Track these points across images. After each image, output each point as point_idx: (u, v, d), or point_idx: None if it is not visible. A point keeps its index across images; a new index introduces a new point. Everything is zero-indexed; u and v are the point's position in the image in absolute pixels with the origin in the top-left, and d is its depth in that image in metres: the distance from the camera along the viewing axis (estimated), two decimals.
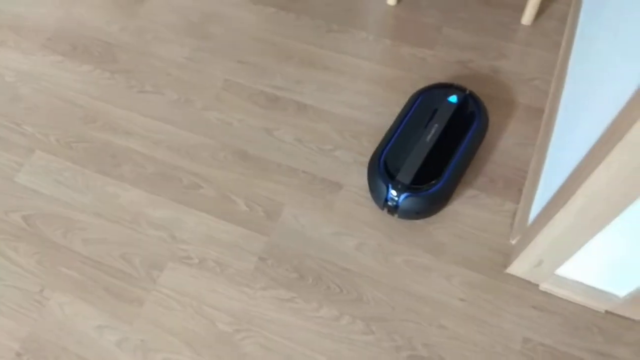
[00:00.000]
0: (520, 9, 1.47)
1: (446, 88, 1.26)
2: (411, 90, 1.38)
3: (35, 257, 1.20)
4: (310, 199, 1.25)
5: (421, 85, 1.38)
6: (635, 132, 0.64)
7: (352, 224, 1.21)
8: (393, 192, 1.15)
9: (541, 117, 1.31)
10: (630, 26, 0.90)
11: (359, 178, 1.26)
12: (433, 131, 1.18)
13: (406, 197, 1.14)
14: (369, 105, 1.36)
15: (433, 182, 1.15)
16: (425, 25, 1.49)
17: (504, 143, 1.29)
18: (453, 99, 1.23)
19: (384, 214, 1.21)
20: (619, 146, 0.67)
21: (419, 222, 1.20)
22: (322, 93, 1.40)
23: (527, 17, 1.45)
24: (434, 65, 1.42)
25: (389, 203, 1.16)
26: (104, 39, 1.54)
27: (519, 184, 1.23)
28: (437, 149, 1.17)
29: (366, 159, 1.29)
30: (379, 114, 1.35)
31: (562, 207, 0.83)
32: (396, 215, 1.19)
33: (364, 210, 1.22)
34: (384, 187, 1.15)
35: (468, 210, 1.20)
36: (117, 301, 1.14)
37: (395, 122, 1.24)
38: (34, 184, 1.30)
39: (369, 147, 1.31)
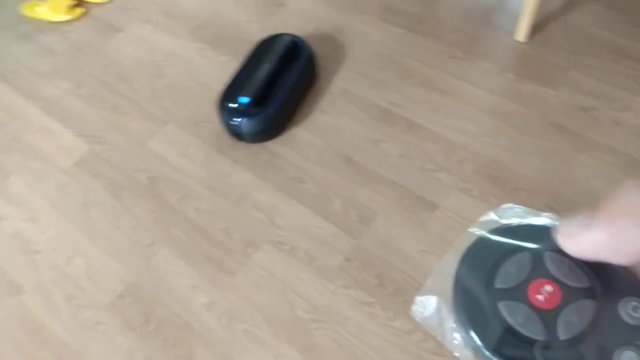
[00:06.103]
0: None
1: (281, 36, 1.53)
2: (524, 126, 1.38)
3: (152, 214, 1.36)
4: (404, 213, 1.29)
5: (536, 125, 1.38)
6: None
7: (441, 244, 1.23)
8: (233, 117, 1.38)
9: None
10: None
11: (456, 202, 1.28)
12: (265, 69, 1.43)
13: (245, 121, 1.38)
14: (477, 133, 1.38)
15: (265, 107, 1.39)
16: (552, 65, 1.48)
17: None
18: (285, 43, 1.50)
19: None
20: None
21: None
22: (435, 115, 1.44)
23: None
24: (554, 105, 1.40)
25: (233, 128, 1.40)
26: (244, 35, 1.69)
27: None
28: (270, 84, 1.41)
29: (466, 186, 1.31)
30: (486, 143, 1.36)
31: None
32: (244, 140, 1.42)
33: (456, 235, 1.24)
34: (225, 115, 1.40)
35: None
36: (214, 268, 1.25)
37: (239, 66, 1.49)
38: (162, 152, 1.47)
39: (471, 175, 1.32)
